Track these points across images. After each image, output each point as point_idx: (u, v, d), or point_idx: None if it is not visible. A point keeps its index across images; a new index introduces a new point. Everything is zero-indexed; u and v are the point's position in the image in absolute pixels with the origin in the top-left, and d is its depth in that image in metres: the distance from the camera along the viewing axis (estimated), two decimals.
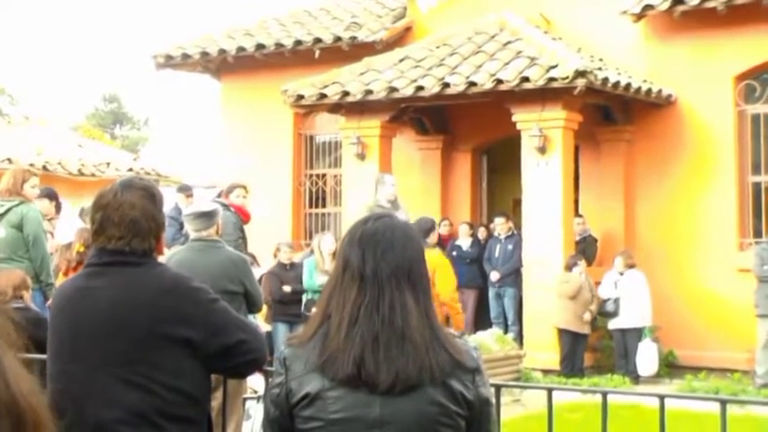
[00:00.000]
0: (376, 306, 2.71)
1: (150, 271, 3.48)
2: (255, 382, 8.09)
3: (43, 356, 3.57)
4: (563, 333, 13.75)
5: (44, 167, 19.00)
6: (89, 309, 3.42)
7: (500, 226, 15.69)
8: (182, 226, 12.05)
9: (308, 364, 2.74)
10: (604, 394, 4.01)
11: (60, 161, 19.69)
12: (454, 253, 16.09)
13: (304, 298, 12.86)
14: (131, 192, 3.50)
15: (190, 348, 3.37)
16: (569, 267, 13.98)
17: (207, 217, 7.83)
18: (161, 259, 8.26)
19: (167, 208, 14.70)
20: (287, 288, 13.05)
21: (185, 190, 14.23)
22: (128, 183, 3.55)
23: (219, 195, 11.55)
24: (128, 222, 3.45)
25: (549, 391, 4.03)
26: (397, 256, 2.76)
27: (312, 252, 13.28)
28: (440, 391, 2.70)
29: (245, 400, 7.44)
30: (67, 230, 10.15)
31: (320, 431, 2.71)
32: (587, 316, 13.95)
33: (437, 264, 9.77)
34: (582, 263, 14.06)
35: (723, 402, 3.95)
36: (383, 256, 2.75)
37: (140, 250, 3.47)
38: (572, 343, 13.92)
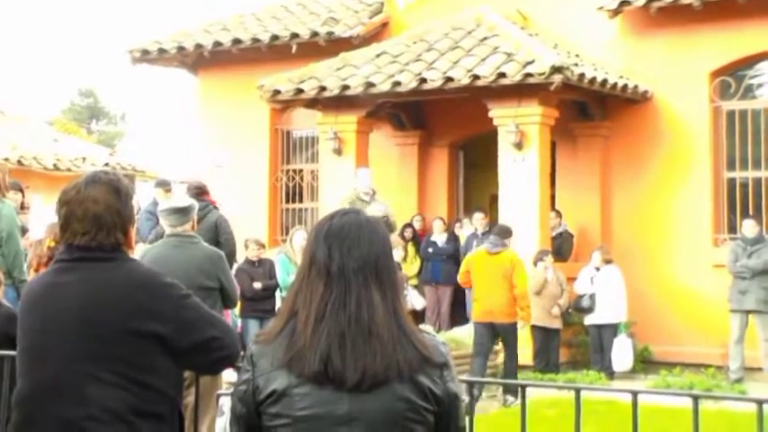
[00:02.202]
0: (342, 302, 2.70)
1: (121, 266, 3.45)
2: (232, 376, 8.06)
3: (15, 353, 3.54)
4: (534, 328, 13.74)
5: (19, 162, 18.92)
6: (58, 305, 3.39)
7: (479, 221, 15.69)
8: (159, 220, 12.01)
9: (274, 361, 2.72)
10: (578, 390, 4.01)
11: (35, 156, 19.61)
12: (430, 249, 16.11)
13: (278, 294, 12.82)
14: (95, 186, 3.46)
15: (161, 344, 3.34)
16: (535, 263, 13.99)
17: (182, 212, 7.79)
18: (136, 254, 8.23)
19: (145, 202, 14.66)
20: (257, 284, 13.00)
21: (164, 185, 14.13)
22: (92, 177, 3.51)
23: (202, 193, 11.51)
24: (91, 217, 3.42)
25: (523, 387, 4.03)
26: (363, 251, 2.75)
27: (282, 249, 13.25)
28: (408, 386, 2.69)
29: (219, 396, 7.41)
30: (40, 226, 10.09)
31: (287, 428, 2.70)
32: (555, 310, 13.95)
33: (516, 262, 12.11)
34: (548, 258, 14.04)
35: (695, 398, 3.97)
36: (349, 252, 2.74)
37: (107, 245, 3.43)
38: (544, 338, 13.94)
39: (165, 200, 11.94)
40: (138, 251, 8.86)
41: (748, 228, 13.52)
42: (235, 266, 12.99)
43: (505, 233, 12.39)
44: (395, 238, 13.16)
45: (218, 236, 10.87)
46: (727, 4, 14.46)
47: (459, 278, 12.97)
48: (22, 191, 10.35)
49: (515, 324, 12.28)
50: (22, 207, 10.21)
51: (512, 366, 12.34)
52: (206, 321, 3.45)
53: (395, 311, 2.73)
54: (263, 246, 13.97)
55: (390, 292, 2.75)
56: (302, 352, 2.67)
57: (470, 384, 3.84)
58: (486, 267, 12.23)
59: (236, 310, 11.32)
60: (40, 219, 10.43)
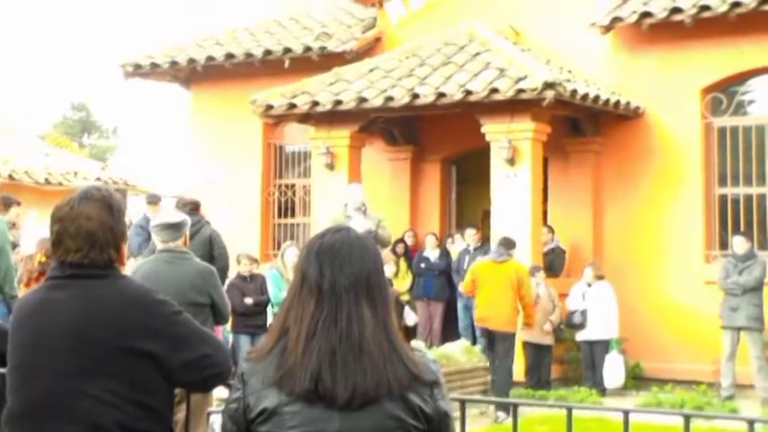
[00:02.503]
0: (333, 320, 2.70)
1: (113, 283, 3.44)
2: (223, 393, 8.02)
3: (4, 370, 3.53)
4: (526, 345, 13.77)
5: (10, 176, 18.89)
6: (50, 322, 3.37)
7: (471, 237, 15.68)
8: (149, 236, 12.01)
9: (265, 379, 2.72)
10: (569, 409, 4.00)
11: (27, 170, 19.57)
12: (422, 265, 16.09)
13: (269, 310, 12.78)
14: (88, 203, 3.45)
15: (152, 361, 3.33)
16: None
17: (175, 228, 7.78)
18: (127, 269, 8.21)
19: (137, 217, 14.65)
20: (248, 300, 12.96)
21: (151, 198, 14.15)
22: (85, 194, 3.50)
23: (196, 208, 11.52)
24: (84, 234, 3.41)
25: (515, 406, 4.01)
26: (354, 269, 2.75)
27: (274, 265, 13.22)
28: (398, 404, 2.68)
29: (209, 413, 7.38)
30: (32, 241, 10.08)
31: None
32: (547, 326, 13.94)
33: (522, 272, 12.77)
34: (540, 273, 14.05)
35: (687, 417, 3.96)
36: (340, 270, 2.75)
37: (100, 262, 3.43)
38: (535, 354, 13.93)
39: (153, 214, 11.96)
40: (129, 266, 8.86)
41: (738, 244, 13.53)
42: (227, 282, 12.99)
43: (510, 244, 12.83)
44: (386, 253, 13.17)
45: (212, 250, 10.87)
46: (718, 20, 14.51)
47: (465, 287, 13.33)
48: (17, 205, 10.32)
49: (512, 334, 12.62)
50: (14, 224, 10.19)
51: (504, 378, 12.51)
52: (198, 338, 3.44)
53: (386, 329, 2.73)
54: (255, 261, 13.94)
55: (381, 310, 2.75)
56: (293, 370, 2.67)
57: (462, 402, 3.83)
58: (493, 276, 12.67)
59: (228, 325, 11.28)
60: (33, 233, 10.43)
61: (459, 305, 15.59)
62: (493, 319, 12.58)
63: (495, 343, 12.68)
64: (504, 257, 12.74)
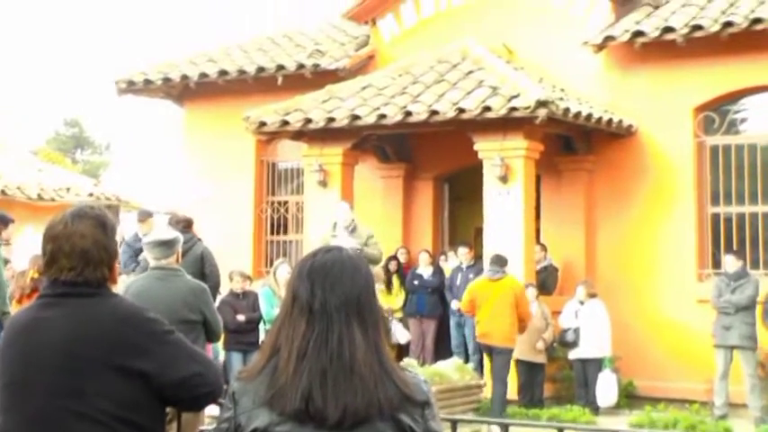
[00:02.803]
0: (324, 340, 2.69)
1: (105, 301, 3.43)
2: (214, 411, 8.00)
3: None
4: (519, 363, 13.77)
5: (2, 192, 18.85)
6: (41, 340, 3.36)
7: (463, 255, 15.67)
8: (136, 253, 12.01)
9: (256, 399, 2.72)
10: (560, 429, 3.99)
11: (19, 185, 19.53)
12: (415, 282, 16.07)
13: (262, 327, 12.76)
14: (82, 221, 3.45)
15: (143, 380, 3.32)
16: None
17: (167, 245, 7.77)
18: (119, 286, 8.18)
19: (129, 233, 14.61)
20: (241, 317, 12.93)
21: (143, 216, 14.09)
22: (78, 212, 3.50)
23: (188, 226, 11.52)
24: (79, 252, 3.40)
25: (506, 426, 4.01)
26: (345, 288, 2.75)
27: (266, 282, 13.20)
28: (389, 425, 2.68)
29: None
30: (24, 257, 10.06)
31: None
32: (540, 344, 13.93)
33: (518, 288, 13.14)
34: (532, 291, 14.06)
35: None
36: (331, 290, 2.74)
37: (93, 280, 3.42)
38: (528, 373, 13.91)
39: (144, 231, 11.96)
40: (121, 283, 8.84)
41: (729, 263, 13.52)
42: (219, 298, 12.96)
43: (502, 262, 13.21)
44: (376, 270, 13.17)
45: (204, 268, 10.88)
46: (710, 40, 14.56)
47: (464, 307, 13.65)
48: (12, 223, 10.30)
49: (511, 350, 13.01)
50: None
51: (500, 393, 12.75)
52: (189, 357, 3.43)
53: (377, 349, 2.73)
54: (248, 278, 13.92)
55: (372, 330, 2.75)
56: (284, 389, 2.67)
57: (453, 423, 3.82)
58: (490, 293, 13.03)
59: (220, 342, 11.25)
60: (25, 250, 10.41)
61: (452, 323, 15.57)
62: (495, 335, 12.93)
63: (493, 359, 13.04)
64: (500, 275, 13.10)
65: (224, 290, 13.39)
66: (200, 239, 11.70)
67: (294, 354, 2.69)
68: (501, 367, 12.91)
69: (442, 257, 16.63)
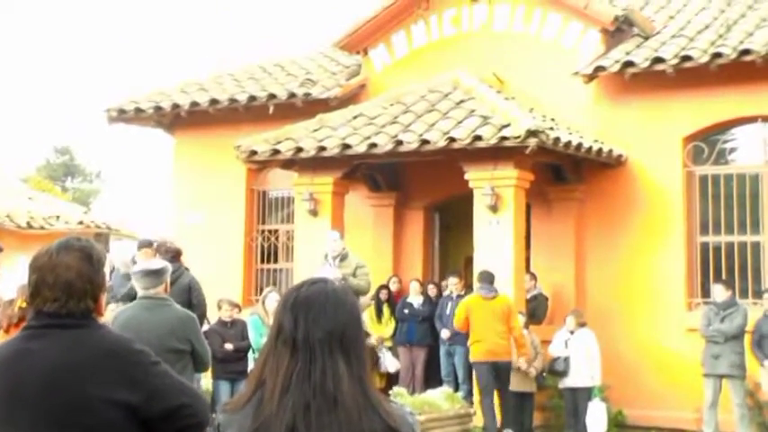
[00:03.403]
0: (308, 373, 2.70)
1: (90, 333, 3.43)
2: None
3: None
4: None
5: None
6: (26, 372, 3.35)
7: (453, 285, 15.67)
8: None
9: (241, 431, 2.71)
10: None
11: (9, 213, 19.49)
12: (405, 311, 16.04)
13: (251, 356, 12.72)
14: (67, 253, 3.45)
15: (130, 412, 3.31)
16: None
17: (155, 275, 7.76)
18: (108, 315, 8.14)
19: (118, 261, 14.53)
20: (229, 346, 12.88)
21: (146, 245, 13.91)
22: (65, 243, 3.50)
23: (177, 256, 11.52)
24: (62, 284, 3.40)
25: None
26: (329, 321, 2.76)
27: (255, 311, 13.18)
28: None
29: None
30: (12, 286, 10.01)
31: None
32: (531, 370, 13.90)
33: (511, 306, 13.57)
34: (522, 319, 14.06)
35: None
36: (315, 322, 2.75)
37: (77, 312, 3.41)
38: (518, 402, 13.91)
39: (145, 260, 11.93)
40: (110, 312, 8.82)
41: (718, 292, 13.53)
42: (206, 327, 12.92)
43: (492, 279, 13.66)
44: (363, 300, 13.18)
45: (191, 298, 10.87)
46: (699, 71, 14.65)
47: (457, 323, 13.85)
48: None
49: (511, 363, 13.58)
50: None
51: (509, 403, 13.53)
52: (176, 389, 3.43)
53: (361, 381, 2.73)
54: (236, 306, 13.86)
55: (357, 362, 2.75)
56: (268, 422, 2.67)
57: None
58: (485, 311, 13.39)
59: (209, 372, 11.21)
60: (14, 279, 10.37)
61: (442, 351, 15.54)
62: (500, 352, 13.37)
63: (501, 375, 13.42)
64: (493, 294, 13.52)
65: (213, 318, 13.35)
66: (187, 269, 11.69)
67: (278, 387, 2.69)
68: (507, 382, 13.48)
69: (431, 287, 16.60)
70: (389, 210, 17.30)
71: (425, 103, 15.51)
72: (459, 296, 15.39)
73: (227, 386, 12.69)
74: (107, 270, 15.78)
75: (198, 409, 3.46)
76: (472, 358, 13.63)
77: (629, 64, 15.06)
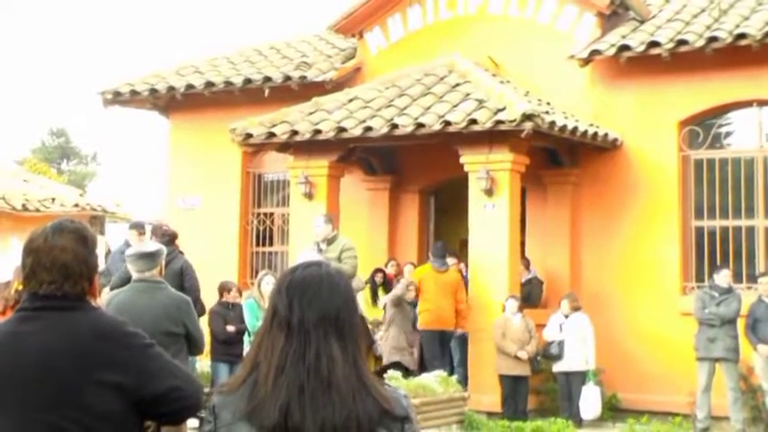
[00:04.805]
0: (302, 355, 2.71)
1: (84, 315, 3.43)
2: (197, 423, 7.98)
3: None
4: (502, 376, 13.84)
5: None
6: (19, 354, 3.36)
7: (452, 265, 15.68)
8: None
9: (236, 413, 2.73)
10: None
11: (4, 196, 19.44)
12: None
13: (246, 339, 12.74)
14: (63, 235, 3.45)
15: (122, 394, 3.32)
16: (504, 309, 14.12)
17: (150, 257, 7.75)
18: (103, 298, 8.15)
19: (115, 244, 14.57)
20: (231, 328, 12.93)
21: (138, 227, 14.01)
22: (59, 226, 3.50)
23: (172, 239, 11.52)
24: (59, 266, 3.40)
25: None
26: (323, 304, 2.77)
27: (251, 294, 13.20)
28: None
29: None
30: (7, 268, 10.01)
31: None
32: (522, 354, 13.93)
33: (459, 280, 14.87)
34: (514, 303, 14.08)
35: None
36: (309, 305, 2.76)
37: (73, 294, 3.42)
38: (512, 385, 13.96)
39: (137, 243, 11.93)
40: (105, 295, 8.82)
41: (723, 277, 13.46)
42: (208, 308, 12.99)
43: (445, 253, 15.01)
44: (357, 284, 13.19)
45: (183, 282, 10.86)
46: (695, 55, 14.65)
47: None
48: None
49: (455, 332, 14.80)
50: None
51: (465, 369, 14.60)
52: (168, 371, 3.43)
53: (355, 364, 2.74)
54: (240, 290, 13.94)
55: (351, 345, 2.76)
56: (263, 404, 2.68)
57: None
58: (436, 283, 14.60)
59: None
60: (10, 261, 10.36)
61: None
62: (448, 321, 14.59)
63: (445, 343, 14.82)
64: (445, 267, 14.76)
65: (210, 302, 13.36)
66: (181, 252, 11.68)
67: (273, 368, 2.70)
68: (463, 350, 14.81)
69: None
70: (385, 193, 17.31)
71: (421, 87, 15.50)
72: None
73: (225, 368, 12.73)
74: (102, 253, 15.79)
75: (190, 392, 3.47)
76: (420, 326, 14.64)
77: (624, 48, 15.05)
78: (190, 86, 18.31)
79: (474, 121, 14.01)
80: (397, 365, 13.85)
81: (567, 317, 14.33)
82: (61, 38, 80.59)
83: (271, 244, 18.55)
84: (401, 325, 14.29)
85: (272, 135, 15.49)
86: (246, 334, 12.70)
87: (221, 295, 13.59)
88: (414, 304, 14.64)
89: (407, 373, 13.61)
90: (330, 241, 13.06)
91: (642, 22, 15.77)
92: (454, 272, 14.92)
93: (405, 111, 14.88)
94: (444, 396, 12.86)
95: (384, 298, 15.15)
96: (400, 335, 14.24)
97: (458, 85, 15.26)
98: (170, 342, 7.10)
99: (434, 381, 12.95)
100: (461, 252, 16.30)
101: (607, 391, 14.43)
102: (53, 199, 20.29)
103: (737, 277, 14.38)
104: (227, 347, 12.83)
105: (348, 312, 2.80)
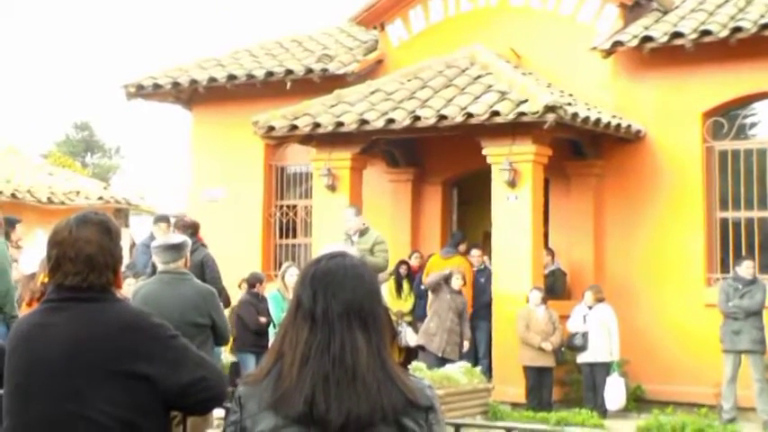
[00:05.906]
0: (326, 346, 2.72)
1: (109, 306, 3.45)
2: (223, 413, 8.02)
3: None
4: (527, 367, 13.83)
5: (13, 195, 18.90)
6: (46, 345, 3.38)
7: (476, 258, 15.72)
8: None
9: (261, 403, 2.74)
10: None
11: (29, 189, 19.58)
12: (423, 286, 16.05)
13: (271, 331, 12.80)
14: (87, 227, 3.47)
15: (148, 384, 3.34)
16: (527, 300, 14.11)
17: (175, 249, 7.79)
18: (128, 289, 8.20)
19: (139, 237, 14.63)
20: (263, 319, 13.04)
21: (163, 220, 14.04)
22: (83, 218, 3.52)
23: (195, 231, 11.55)
24: (84, 258, 3.43)
25: (509, 430, 4.03)
26: (347, 295, 2.77)
27: (274, 286, 13.29)
28: (393, 430, 2.70)
29: None
30: (33, 260, 10.09)
31: None
32: (547, 345, 13.90)
33: (465, 267, 15.18)
34: (537, 294, 14.06)
35: None
36: (333, 296, 2.77)
37: (98, 285, 3.44)
38: (537, 376, 13.94)
39: (163, 235, 11.98)
40: (131, 286, 8.87)
41: (745, 269, 13.42)
42: (239, 297, 13.09)
43: (456, 242, 15.82)
44: (381, 276, 13.22)
45: (204, 274, 10.89)
46: (718, 45, 14.56)
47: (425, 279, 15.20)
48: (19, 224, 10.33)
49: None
50: (9, 238, 10.14)
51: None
52: (193, 362, 3.45)
53: (380, 355, 2.75)
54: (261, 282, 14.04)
55: (375, 336, 2.76)
56: (288, 394, 2.69)
57: (456, 427, 3.84)
58: (439, 269, 14.71)
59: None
60: (35, 253, 10.44)
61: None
62: None
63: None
64: (450, 254, 15.21)
65: (235, 294, 13.45)
66: (204, 245, 11.72)
67: (297, 359, 2.71)
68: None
69: None
70: (408, 185, 17.30)
71: (443, 79, 15.48)
72: (480, 270, 15.46)
73: (252, 359, 12.80)
74: (126, 245, 15.86)
75: (215, 383, 3.49)
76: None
77: (647, 39, 14.98)
78: (212, 80, 18.35)
79: (496, 113, 13.99)
80: (419, 350, 13.84)
81: (590, 308, 14.30)
82: (84, 32, 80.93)
83: (294, 236, 18.59)
84: (437, 311, 14.25)
85: (294, 128, 15.52)
86: (271, 325, 12.76)
87: (251, 286, 13.66)
88: (459, 293, 14.57)
89: (438, 359, 13.62)
90: (362, 233, 13.07)
91: (665, 12, 15.69)
92: (459, 259, 15.23)
93: (427, 103, 14.87)
94: (468, 387, 12.87)
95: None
96: (431, 320, 14.22)
97: (480, 76, 15.23)
98: (195, 333, 7.14)
99: (459, 372, 12.96)
100: (485, 244, 16.28)
101: (631, 383, 14.40)
102: (78, 192, 20.42)
103: (763, 268, 14.30)
104: (256, 338, 12.91)
105: (372, 303, 2.81)
